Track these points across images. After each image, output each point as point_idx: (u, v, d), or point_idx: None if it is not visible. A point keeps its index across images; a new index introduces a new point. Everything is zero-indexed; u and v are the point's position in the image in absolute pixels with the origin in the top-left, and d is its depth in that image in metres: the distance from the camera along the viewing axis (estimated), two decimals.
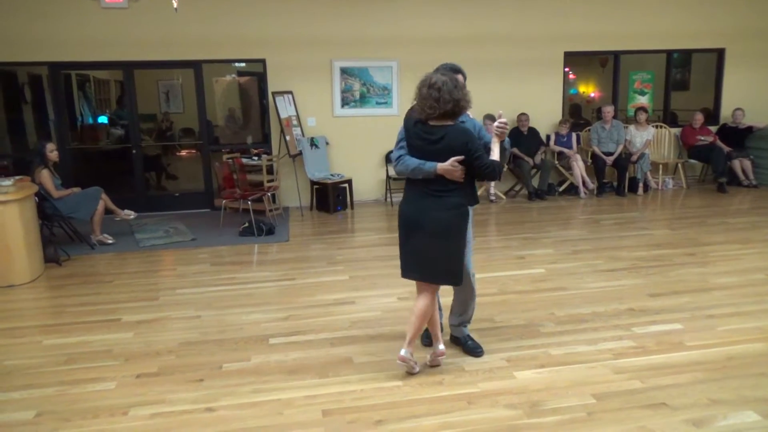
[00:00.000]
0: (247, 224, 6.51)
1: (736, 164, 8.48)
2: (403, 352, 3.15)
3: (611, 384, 3.02)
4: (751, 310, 3.97)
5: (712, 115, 9.06)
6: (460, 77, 3.28)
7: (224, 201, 7.13)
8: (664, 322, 3.83)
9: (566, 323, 3.85)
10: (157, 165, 8.97)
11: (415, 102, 3.13)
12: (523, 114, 8.24)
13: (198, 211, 7.98)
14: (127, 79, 7.70)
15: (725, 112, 8.96)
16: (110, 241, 6.22)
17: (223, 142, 8.75)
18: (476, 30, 8.14)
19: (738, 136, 8.66)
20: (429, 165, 2.99)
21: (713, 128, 8.81)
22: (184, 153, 9.51)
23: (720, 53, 8.90)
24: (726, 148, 8.49)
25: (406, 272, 3.18)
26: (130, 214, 6.43)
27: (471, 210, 3.17)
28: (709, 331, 3.66)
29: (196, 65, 7.68)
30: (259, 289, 4.72)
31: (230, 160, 7.14)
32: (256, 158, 7.52)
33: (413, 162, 3.04)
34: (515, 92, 8.42)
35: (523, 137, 8.24)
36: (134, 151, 7.84)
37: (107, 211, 6.26)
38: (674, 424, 2.68)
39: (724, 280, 4.56)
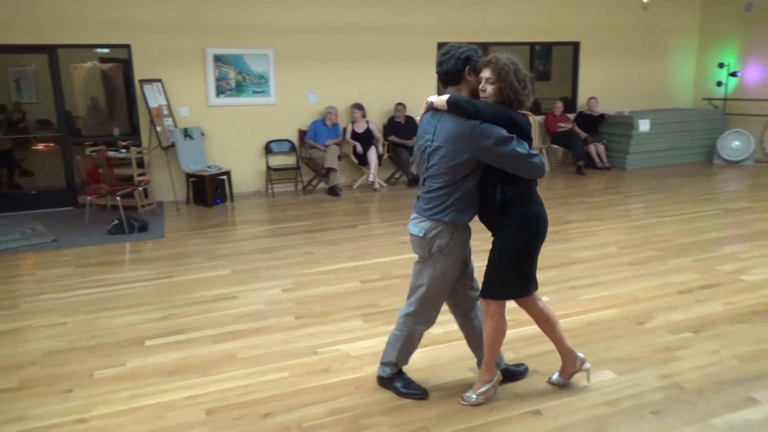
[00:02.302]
0: (116, 221, 6.10)
1: (592, 148, 9.27)
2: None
3: None
4: (606, 280, 4.38)
5: (570, 104, 9.82)
6: None
7: (89, 197, 6.62)
8: None
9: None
10: (8, 160, 8.12)
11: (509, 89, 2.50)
12: (399, 104, 8.43)
13: (60, 209, 7.35)
14: None
15: (581, 101, 9.76)
16: None
17: (86, 134, 8.10)
18: (352, 19, 8.18)
19: (593, 123, 9.47)
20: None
21: (571, 116, 9.56)
22: (40, 147, 8.67)
23: (576, 46, 9.66)
24: (583, 134, 9.25)
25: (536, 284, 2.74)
26: None
27: None
28: (572, 301, 4.00)
29: (50, 50, 7.03)
30: (132, 290, 4.46)
31: (94, 154, 6.64)
32: (124, 151, 7.05)
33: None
34: (391, 82, 8.58)
35: (400, 126, 8.43)
36: None
37: None
38: (544, 388, 2.90)
39: (584, 254, 5.00)
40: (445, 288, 2.74)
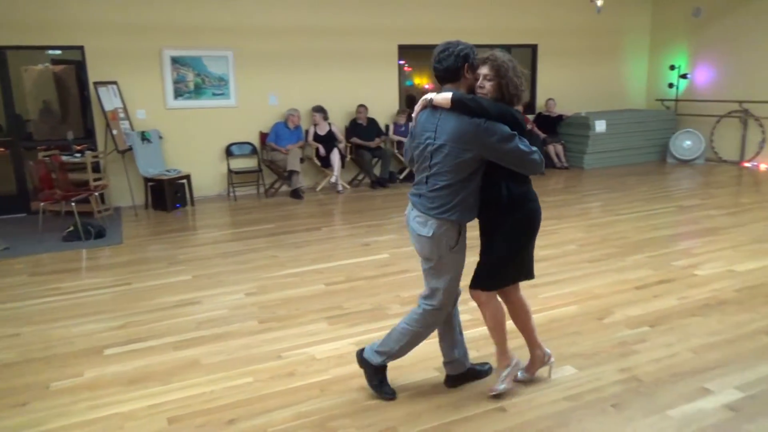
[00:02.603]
0: (72, 228, 5.92)
1: (551, 149, 9.46)
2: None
3: None
4: (566, 278, 4.48)
5: (529, 105, 10.00)
6: None
7: (42, 204, 6.41)
8: None
9: (410, 303, 4.04)
10: None
11: (509, 85, 2.54)
12: (361, 105, 8.43)
13: (11, 216, 7.10)
14: None
15: (540, 102, 9.95)
16: None
17: (39, 138, 7.84)
18: (313, 21, 8.15)
19: (551, 124, 9.67)
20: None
21: (531, 116, 9.73)
22: None
23: (534, 49, 9.84)
24: (542, 135, 9.43)
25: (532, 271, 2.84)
26: None
27: None
28: (533, 299, 4.06)
29: None
30: (90, 298, 4.33)
31: (47, 158, 6.44)
32: (78, 155, 6.86)
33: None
34: (353, 84, 8.59)
35: (362, 128, 8.44)
36: None
37: None
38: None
39: (544, 252, 5.08)
40: (458, 284, 2.76)
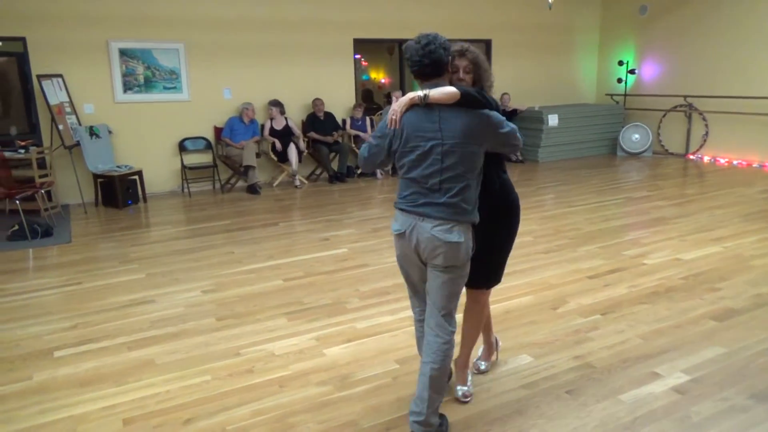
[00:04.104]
0: (16, 227, 5.69)
1: None
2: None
3: (412, 348, 3.25)
4: (523, 269, 4.57)
5: None
6: None
7: None
8: None
9: (370, 297, 4.05)
10: None
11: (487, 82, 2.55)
12: (318, 99, 8.37)
13: None
14: None
15: (495, 96, 10.06)
16: None
17: None
18: (268, 13, 8.04)
19: (506, 117, 9.75)
20: None
21: None
22: None
23: (488, 43, 9.97)
24: None
25: None
26: None
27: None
28: None
29: None
30: (37, 299, 4.18)
31: None
32: (22, 151, 6.58)
33: None
34: (309, 77, 8.51)
35: (319, 122, 8.39)
36: None
37: None
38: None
39: None
40: None
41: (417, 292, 2.61)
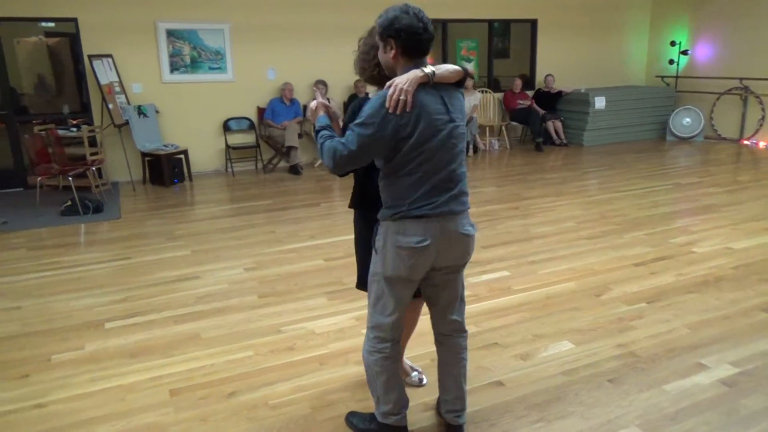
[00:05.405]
0: (69, 202, 5.91)
1: (550, 125, 9.42)
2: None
3: None
4: (565, 254, 4.49)
5: (528, 81, 9.92)
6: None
7: (40, 178, 6.38)
8: (494, 270, 4.20)
9: None
10: None
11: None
12: (359, 80, 8.34)
13: (8, 190, 7.07)
14: None
15: (539, 78, 9.87)
16: None
17: (34, 112, 7.77)
18: None
19: (550, 100, 9.60)
20: None
21: (530, 93, 9.67)
22: None
23: (533, 23, 9.73)
24: (541, 111, 9.38)
25: None
26: None
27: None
28: (532, 275, 4.09)
29: None
30: (89, 272, 4.34)
31: (44, 132, 6.39)
32: (74, 129, 6.80)
33: None
34: (352, 58, 8.46)
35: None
36: None
37: None
38: (505, 360, 2.97)
39: (543, 229, 5.10)
40: None
41: (402, 315, 2.21)
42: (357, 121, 1.97)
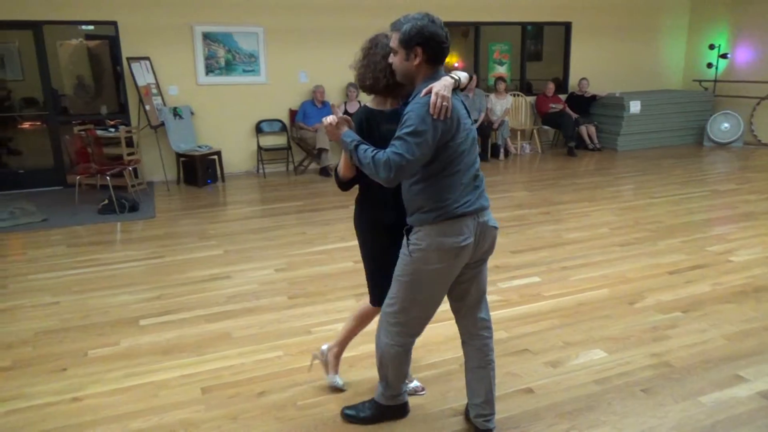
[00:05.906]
0: (107, 201, 6.05)
1: (583, 130, 9.28)
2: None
3: None
4: (598, 261, 4.42)
5: (561, 85, 9.81)
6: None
7: (78, 177, 6.56)
8: (525, 276, 4.15)
9: None
10: None
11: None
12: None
13: (48, 189, 7.28)
14: None
15: (573, 82, 9.75)
16: None
17: (74, 113, 7.99)
18: None
19: (584, 104, 9.47)
20: None
21: (563, 96, 9.55)
22: (26, 125, 8.56)
23: (567, 26, 9.61)
24: (574, 115, 9.25)
25: None
26: None
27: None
28: (563, 282, 4.03)
29: (35, 27, 6.89)
30: (124, 270, 4.44)
31: (83, 133, 6.56)
32: (112, 130, 6.97)
33: None
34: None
35: None
36: None
37: None
38: (535, 367, 2.94)
39: (575, 234, 5.03)
40: None
41: (434, 313, 2.30)
42: (407, 131, 1.98)
